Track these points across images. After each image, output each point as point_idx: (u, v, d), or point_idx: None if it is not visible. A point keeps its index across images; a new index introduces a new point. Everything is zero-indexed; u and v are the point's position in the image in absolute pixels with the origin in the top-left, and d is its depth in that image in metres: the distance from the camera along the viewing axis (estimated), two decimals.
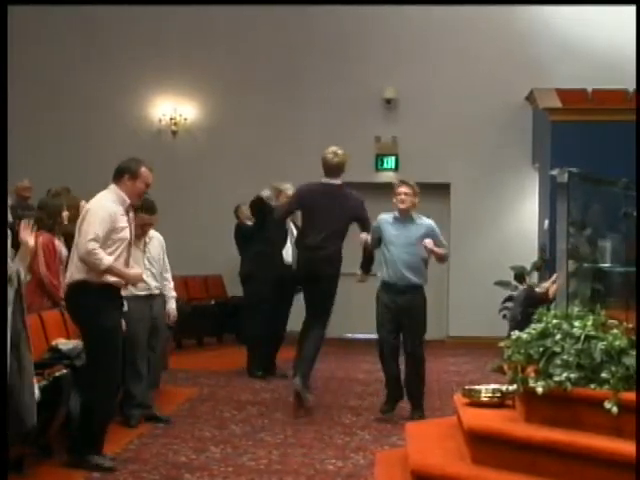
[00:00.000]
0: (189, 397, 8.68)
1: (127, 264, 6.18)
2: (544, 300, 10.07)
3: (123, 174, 6.14)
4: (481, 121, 13.48)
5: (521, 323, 8.89)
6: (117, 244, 6.04)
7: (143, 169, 6.20)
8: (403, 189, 7.72)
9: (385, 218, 7.88)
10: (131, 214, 6.29)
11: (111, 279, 6.03)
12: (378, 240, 7.84)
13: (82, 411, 6.06)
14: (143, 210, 7.19)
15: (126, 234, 6.12)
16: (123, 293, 7.06)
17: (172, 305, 7.88)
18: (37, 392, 5.22)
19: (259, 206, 10.00)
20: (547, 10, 13.48)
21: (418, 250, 7.73)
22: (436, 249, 7.78)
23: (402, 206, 7.71)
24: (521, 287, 11.16)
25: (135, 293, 7.29)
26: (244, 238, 11.24)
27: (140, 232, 7.26)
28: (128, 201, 6.14)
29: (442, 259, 8.06)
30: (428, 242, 7.68)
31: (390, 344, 7.81)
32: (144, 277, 7.18)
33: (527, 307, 10.13)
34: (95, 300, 5.96)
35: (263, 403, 8.47)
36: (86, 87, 13.80)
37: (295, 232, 10.09)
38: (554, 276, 10.10)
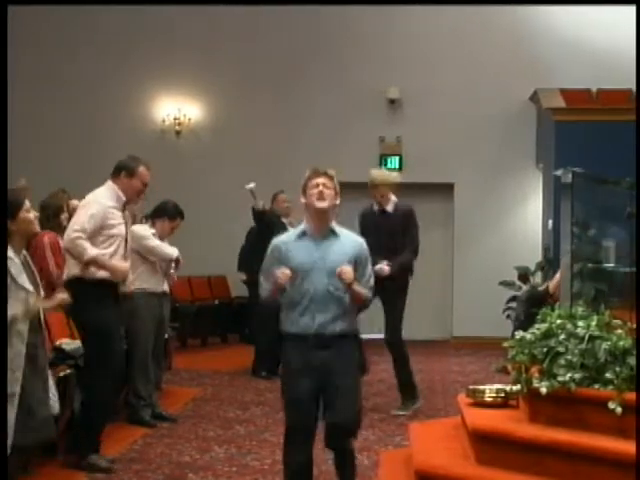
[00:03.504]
0: (193, 397, 8.69)
1: (125, 260, 6.19)
2: (546, 299, 10.09)
3: (120, 171, 6.19)
4: (485, 121, 13.47)
5: (524, 323, 8.89)
6: (111, 240, 6.05)
7: (141, 168, 6.24)
8: (322, 179, 4.95)
9: (285, 239, 5.06)
10: (127, 212, 6.30)
11: (104, 274, 6.00)
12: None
13: (82, 410, 6.07)
14: (180, 216, 7.73)
15: (121, 230, 6.12)
16: (136, 287, 7.11)
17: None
18: (57, 405, 5.23)
19: (259, 217, 10.00)
20: (551, 10, 13.47)
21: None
22: (358, 288, 4.91)
23: (321, 205, 4.88)
24: (525, 287, 11.17)
25: (149, 290, 7.32)
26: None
27: (169, 234, 7.74)
28: (124, 198, 6.16)
29: (361, 304, 5.04)
30: (347, 270, 4.80)
31: (306, 425, 5.01)
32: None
33: (530, 307, 10.14)
34: (91, 296, 5.96)
35: (267, 403, 8.47)
36: (89, 87, 13.80)
37: None
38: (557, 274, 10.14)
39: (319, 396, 4.94)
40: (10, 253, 4.76)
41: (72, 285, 6.03)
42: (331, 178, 4.96)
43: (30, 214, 4.95)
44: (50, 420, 5.13)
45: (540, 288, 10.46)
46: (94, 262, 5.95)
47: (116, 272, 6.08)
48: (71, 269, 6.06)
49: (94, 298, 5.96)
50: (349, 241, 5.00)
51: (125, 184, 6.16)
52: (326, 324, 4.85)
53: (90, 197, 6.18)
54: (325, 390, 4.91)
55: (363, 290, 4.96)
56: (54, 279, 7.44)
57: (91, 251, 5.92)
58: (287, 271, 4.79)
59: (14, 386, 4.77)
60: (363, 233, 7.19)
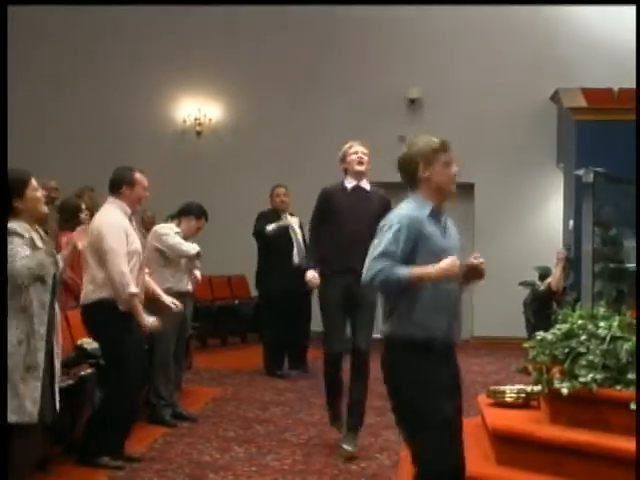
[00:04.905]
0: (213, 397, 8.70)
1: (139, 275, 6.15)
2: (551, 296, 10.06)
3: (121, 186, 6.16)
4: (506, 121, 13.42)
5: (535, 325, 8.90)
6: (129, 256, 6.03)
7: (137, 175, 6.25)
8: (452, 155, 4.22)
9: (416, 214, 3.99)
10: (134, 222, 6.33)
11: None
12: (410, 254, 3.95)
13: (95, 418, 6.06)
14: (205, 217, 7.76)
15: (137, 245, 6.13)
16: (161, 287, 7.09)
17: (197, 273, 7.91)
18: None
19: (258, 238, 10.06)
20: (572, 9, 13.40)
21: None
22: None
23: (454, 188, 4.13)
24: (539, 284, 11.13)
25: (174, 289, 7.32)
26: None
27: (194, 234, 7.74)
28: (129, 211, 6.18)
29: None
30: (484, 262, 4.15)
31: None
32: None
33: (537, 308, 10.13)
34: (112, 320, 5.94)
35: (287, 403, 8.47)
36: (110, 87, 13.82)
37: (297, 230, 9.99)
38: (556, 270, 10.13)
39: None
40: (21, 229, 4.65)
41: (92, 309, 6.03)
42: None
43: (38, 193, 4.86)
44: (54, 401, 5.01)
45: (541, 288, 10.43)
46: (129, 301, 5.94)
47: (141, 320, 6.04)
48: (89, 293, 6.03)
49: (116, 322, 5.92)
50: (451, 222, 4.23)
51: (129, 196, 6.16)
52: (459, 329, 4.09)
53: (102, 219, 6.12)
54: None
55: None
56: (71, 282, 7.47)
57: (133, 289, 5.93)
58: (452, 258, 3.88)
59: (37, 355, 4.65)
60: (322, 218, 6.48)
